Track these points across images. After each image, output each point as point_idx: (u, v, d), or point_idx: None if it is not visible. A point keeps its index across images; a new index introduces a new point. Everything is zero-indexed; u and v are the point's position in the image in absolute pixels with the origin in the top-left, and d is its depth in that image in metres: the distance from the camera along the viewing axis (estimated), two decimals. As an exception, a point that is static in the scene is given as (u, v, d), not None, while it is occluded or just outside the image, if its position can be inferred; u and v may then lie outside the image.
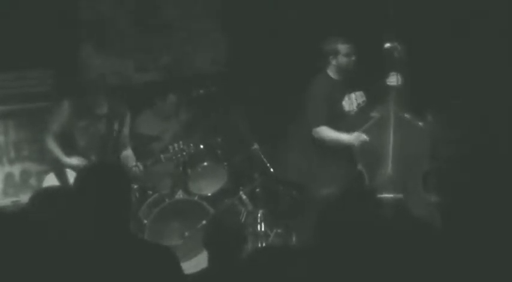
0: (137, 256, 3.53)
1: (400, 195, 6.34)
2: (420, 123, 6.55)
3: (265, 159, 7.71)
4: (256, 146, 7.76)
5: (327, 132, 6.61)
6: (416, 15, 7.23)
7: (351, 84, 6.76)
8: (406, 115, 6.51)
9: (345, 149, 6.61)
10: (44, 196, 4.06)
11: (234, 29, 8.95)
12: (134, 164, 6.89)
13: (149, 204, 7.43)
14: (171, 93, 8.14)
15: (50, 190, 4.42)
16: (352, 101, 6.76)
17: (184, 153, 7.03)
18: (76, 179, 3.73)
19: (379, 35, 6.62)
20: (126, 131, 6.97)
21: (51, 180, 6.70)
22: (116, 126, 6.84)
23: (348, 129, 6.60)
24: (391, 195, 6.30)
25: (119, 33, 8.67)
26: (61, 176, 6.67)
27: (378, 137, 6.44)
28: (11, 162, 7.90)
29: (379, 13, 6.84)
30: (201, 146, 7.69)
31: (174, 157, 7.06)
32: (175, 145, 7.03)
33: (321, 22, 8.21)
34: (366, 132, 6.53)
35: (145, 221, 7.23)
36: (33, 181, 7.87)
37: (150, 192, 7.59)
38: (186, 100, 8.23)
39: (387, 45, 6.45)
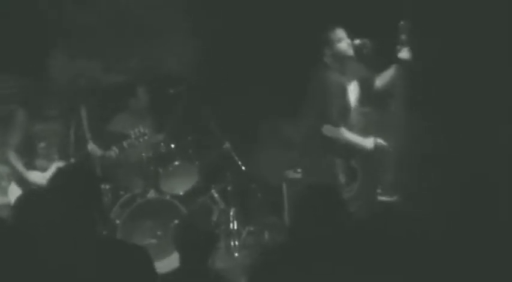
0: (110, 255, 3.54)
1: (394, 199, 6.36)
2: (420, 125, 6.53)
3: (236, 158, 7.74)
4: (227, 145, 7.79)
5: (343, 134, 6.43)
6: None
7: (351, 72, 6.68)
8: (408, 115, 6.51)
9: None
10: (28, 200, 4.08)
11: (203, 29, 8.95)
12: (101, 153, 6.92)
13: (121, 204, 7.43)
14: (138, 87, 8.12)
15: (34, 193, 4.41)
16: (352, 93, 6.67)
17: (145, 137, 7.01)
18: (48, 183, 3.75)
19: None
20: (84, 124, 6.94)
21: (14, 192, 6.69)
22: (72, 123, 6.83)
23: (350, 123, 6.53)
24: (386, 198, 6.31)
25: (86, 34, 8.64)
26: (23, 184, 6.66)
27: (377, 135, 6.40)
28: (-19, 165, 7.86)
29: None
30: (172, 145, 7.70)
31: (136, 142, 7.04)
32: (136, 130, 7.02)
33: (293, 22, 8.24)
34: (362, 129, 6.50)
35: (117, 221, 7.22)
36: (5, 183, 7.82)
37: (122, 192, 7.59)
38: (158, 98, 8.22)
39: (357, 41, 6.45)
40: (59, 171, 3.89)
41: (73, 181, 3.65)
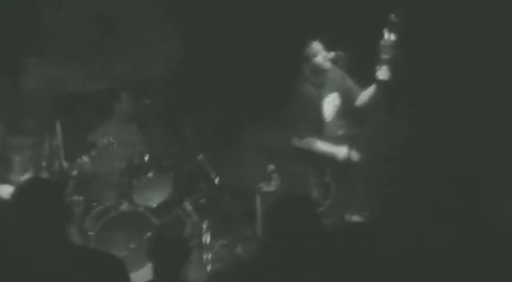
0: (84, 265, 3.54)
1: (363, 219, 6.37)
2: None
3: (210, 169, 7.73)
4: (201, 156, 7.78)
5: (312, 145, 6.52)
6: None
7: (328, 85, 6.70)
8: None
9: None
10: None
11: (189, 34, 8.94)
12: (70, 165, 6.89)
13: (94, 215, 7.41)
14: (123, 92, 8.12)
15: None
16: (329, 105, 6.70)
17: (114, 146, 7.01)
18: (12, 196, 3.74)
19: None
20: (57, 140, 6.91)
21: None
22: (46, 137, 6.80)
23: (324, 136, 6.54)
24: (357, 218, 6.32)
25: (68, 40, 8.60)
26: None
27: (354, 147, 6.41)
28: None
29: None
30: (146, 157, 7.68)
31: (104, 151, 7.03)
32: (104, 140, 7.02)
33: (280, 29, 8.26)
34: (340, 141, 6.51)
35: (90, 233, 7.20)
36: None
37: (95, 203, 7.56)
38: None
39: (331, 53, 6.49)
40: (19, 185, 3.87)
41: (35, 193, 3.65)
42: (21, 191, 3.72)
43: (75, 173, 7.02)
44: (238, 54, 8.46)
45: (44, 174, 6.78)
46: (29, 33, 8.33)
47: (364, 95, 6.67)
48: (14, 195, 3.73)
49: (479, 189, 5.43)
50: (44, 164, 6.83)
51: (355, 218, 6.30)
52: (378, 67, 6.43)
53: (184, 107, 8.34)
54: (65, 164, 6.97)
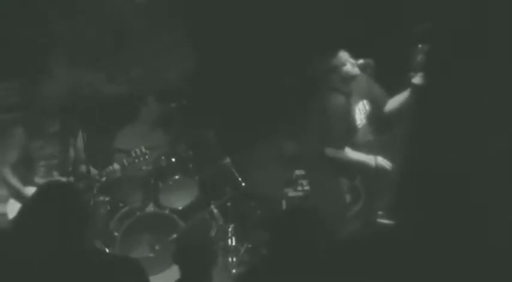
0: (103, 269, 3.53)
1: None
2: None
3: (236, 174, 7.71)
4: (228, 160, 7.77)
5: (347, 154, 6.42)
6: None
7: (357, 92, 6.67)
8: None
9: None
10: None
11: (204, 42, 8.95)
12: (96, 173, 6.89)
13: (120, 216, 7.42)
14: (148, 96, 8.14)
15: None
16: (360, 112, 6.66)
17: (146, 156, 7.00)
18: (31, 200, 3.73)
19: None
20: (80, 145, 6.92)
21: (12, 207, 6.65)
22: (71, 142, 6.80)
23: (355, 143, 6.53)
24: (386, 221, 6.27)
25: (90, 45, 8.64)
26: (21, 199, 6.62)
27: (382, 154, 6.36)
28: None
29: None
30: (173, 159, 7.68)
31: (136, 161, 7.03)
32: (137, 150, 7.01)
33: (292, 36, 8.25)
34: (370, 149, 6.48)
35: (116, 234, 7.21)
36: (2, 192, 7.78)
37: (121, 204, 7.57)
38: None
39: (360, 61, 6.43)
40: (38, 188, 3.86)
41: (53, 196, 3.63)
42: (40, 194, 3.71)
43: (103, 179, 7.01)
44: (262, 59, 8.46)
45: (70, 179, 6.77)
46: (55, 37, 8.39)
47: (393, 102, 6.61)
48: (33, 198, 3.72)
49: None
50: (70, 168, 6.84)
51: (385, 221, 6.25)
52: (412, 73, 6.37)
53: (209, 111, 8.33)
54: (94, 171, 6.98)
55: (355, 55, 6.51)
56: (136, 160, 7.01)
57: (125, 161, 7.01)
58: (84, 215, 3.66)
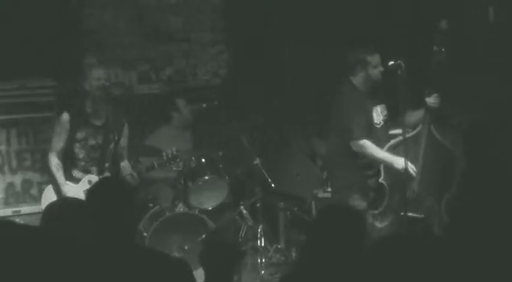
0: (150, 267, 3.58)
1: (421, 216, 6.30)
2: (451, 146, 6.45)
3: (266, 174, 7.71)
4: (257, 161, 7.76)
5: (372, 149, 6.45)
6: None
7: (374, 96, 6.67)
8: (439, 136, 6.44)
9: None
10: (58, 208, 4.09)
11: (236, 41, 8.96)
12: (129, 173, 6.87)
13: (150, 216, 7.45)
14: (177, 99, 8.17)
15: (66, 202, 4.42)
16: (378, 114, 6.67)
17: (177, 159, 6.98)
18: (86, 197, 3.82)
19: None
20: (123, 141, 6.90)
21: (49, 193, 6.69)
22: (113, 137, 6.78)
23: (374, 143, 6.51)
24: (413, 215, 6.25)
25: (122, 42, 8.68)
26: (59, 190, 6.65)
27: (405, 155, 6.34)
28: (13, 171, 7.88)
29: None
30: (203, 160, 7.70)
31: (167, 164, 7.01)
32: (169, 151, 6.98)
33: (327, 33, 8.23)
34: (392, 148, 6.46)
35: (145, 234, 7.24)
36: (34, 191, 7.84)
37: (151, 204, 7.60)
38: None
39: (391, 63, 6.40)
40: (99, 183, 3.92)
41: (110, 195, 3.69)
42: (95, 191, 3.77)
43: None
44: (292, 59, 8.46)
45: (106, 175, 6.78)
46: (88, 35, 8.45)
47: (415, 115, 6.58)
48: (88, 195, 3.78)
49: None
50: (107, 165, 6.84)
51: (411, 216, 6.24)
52: (427, 91, 6.36)
53: (238, 112, 8.34)
54: (125, 163, 6.96)
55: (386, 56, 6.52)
56: (167, 163, 6.98)
57: (155, 163, 7.00)
58: (137, 212, 3.74)
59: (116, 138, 6.75)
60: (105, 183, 4.02)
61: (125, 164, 6.93)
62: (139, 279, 3.53)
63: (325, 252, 3.73)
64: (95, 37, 8.54)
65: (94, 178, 6.63)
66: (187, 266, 3.73)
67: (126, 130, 6.90)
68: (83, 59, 8.11)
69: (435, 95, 6.36)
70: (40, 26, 7.88)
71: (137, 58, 8.80)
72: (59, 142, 6.65)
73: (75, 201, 4.69)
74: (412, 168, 6.30)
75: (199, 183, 7.61)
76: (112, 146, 6.77)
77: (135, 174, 6.84)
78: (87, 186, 6.45)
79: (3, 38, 7.70)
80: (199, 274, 6.71)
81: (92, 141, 6.71)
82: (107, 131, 6.73)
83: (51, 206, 4.18)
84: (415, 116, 6.54)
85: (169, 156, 6.94)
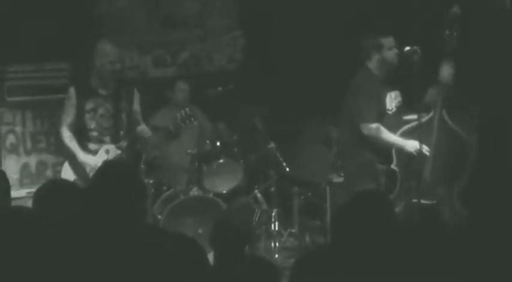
0: (163, 247, 3.57)
1: (433, 202, 6.28)
2: (464, 134, 6.42)
3: (281, 158, 7.70)
4: (272, 145, 7.76)
5: (383, 133, 6.40)
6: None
7: (389, 82, 6.65)
8: (452, 123, 6.41)
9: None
10: (49, 190, 4.09)
11: (251, 26, 8.95)
12: (150, 135, 6.82)
13: (164, 199, 7.46)
14: (179, 81, 8.15)
15: (56, 184, 4.40)
16: (391, 100, 6.64)
17: (192, 119, 6.86)
18: (93, 178, 3.79)
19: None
20: (136, 107, 6.82)
21: (66, 170, 6.68)
22: (123, 105, 6.74)
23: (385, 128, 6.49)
24: (424, 201, 6.23)
25: (137, 27, 8.69)
26: (76, 166, 6.64)
27: (418, 140, 6.32)
28: (28, 153, 7.93)
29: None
30: (218, 143, 7.69)
31: (182, 124, 6.86)
32: (182, 112, 6.85)
33: (342, 20, 8.20)
34: (406, 134, 6.44)
35: (159, 217, 7.24)
36: (49, 172, 7.89)
37: (165, 187, 7.60)
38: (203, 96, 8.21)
39: (407, 48, 6.37)
40: (104, 166, 3.90)
41: (118, 176, 3.67)
42: (100, 175, 3.75)
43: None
44: (305, 44, 8.42)
45: (123, 144, 6.73)
46: (103, 19, 8.46)
47: (429, 95, 6.55)
48: (93, 179, 3.77)
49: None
50: (122, 133, 6.79)
51: (423, 202, 6.21)
52: (442, 63, 6.32)
53: (254, 96, 8.33)
54: (143, 127, 6.89)
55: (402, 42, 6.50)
56: (182, 123, 6.83)
57: (171, 127, 6.86)
58: (143, 190, 3.72)
59: (127, 105, 6.72)
60: (109, 168, 3.99)
61: (142, 128, 6.87)
62: (151, 258, 3.52)
63: (354, 235, 3.72)
64: (111, 22, 8.55)
65: (111, 147, 6.57)
66: (200, 246, 3.71)
67: (137, 95, 6.83)
68: (98, 42, 8.13)
69: (448, 65, 6.31)
70: (57, 10, 7.89)
71: (152, 43, 8.80)
72: (68, 116, 6.60)
73: (65, 182, 4.70)
74: (425, 149, 6.27)
75: (214, 166, 7.61)
76: (124, 114, 6.73)
77: (164, 132, 6.79)
78: (105, 157, 6.44)
79: (20, 21, 7.71)
80: (211, 258, 6.76)
81: (101, 111, 6.65)
82: (117, 100, 6.69)
83: (40, 189, 4.16)
84: (429, 94, 6.51)
85: (183, 115, 6.80)
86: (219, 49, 9.09)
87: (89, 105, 6.59)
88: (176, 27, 8.87)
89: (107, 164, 4.35)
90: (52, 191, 4.07)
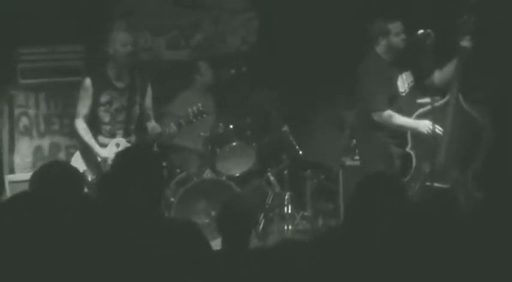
0: (166, 234, 3.59)
1: (447, 186, 6.27)
2: (480, 117, 6.39)
3: (294, 142, 7.69)
4: (286, 128, 7.75)
5: (395, 119, 6.42)
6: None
7: (399, 64, 6.62)
8: (467, 106, 6.39)
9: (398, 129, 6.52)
10: (44, 173, 4.09)
11: (265, 8, 8.91)
12: (159, 131, 6.84)
13: (177, 182, 7.47)
14: (203, 62, 8.15)
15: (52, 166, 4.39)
16: (403, 82, 6.63)
17: (204, 115, 6.91)
18: (112, 164, 3.82)
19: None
20: (148, 102, 6.86)
21: (77, 160, 6.70)
22: (137, 99, 6.76)
23: (398, 111, 6.49)
24: (439, 185, 6.23)
25: (151, 9, 8.66)
26: (88, 157, 6.66)
27: (433, 123, 6.31)
28: (41, 135, 7.94)
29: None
30: (231, 126, 7.68)
31: (194, 119, 6.91)
32: (194, 108, 6.90)
33: (357, 2, 8.16)
34: (420, 117, 6.43)
35: (172, 199, 7.25)
36: (62, 155, 7.90)
37: (178, 170, 7.61)
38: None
39: (420, 31, 6.36)
40: (117, 155, 3.92)
41: (137, 162, 3.70)
42: (121, 160, 3.77)
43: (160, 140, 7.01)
44: (319, 28, 8.39)
45: (133, 138, 6.78)
46: (118, 1, 8.45)
47: (445, 71, 6.52)
48: (114, 165, 3.78)
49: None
50: (133, 127, 6.82)
51: (437, 185, 6.21)
52: (461, 37, 6.30)
53: (267, 79, 8.31)
54: (157, 128, 6.92)
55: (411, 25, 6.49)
56: (194, 119, 6.89)
57: (182, 121, 6.92)
58: (161, 176, 3.75)
59: (140, 100, 6.73)
60: (130, 152, 4.00)
61: (152, 124, 6.90)
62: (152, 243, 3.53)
63: (364, 217, 3.72)
64: (125, 4, 8.53)
65: (122, 141, 6.64)
66: (196, 227, 3.72)
67: (149, 90, 6.86)
68: (112, 24, 8.13)
69: (468, 37, 6.30)
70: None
71: (166, 24, 8.77)
72: (84, 107, 6.63)
73: (62, 164, 4.69)
74: (438, 129, 6.26)
75: (227, 149, 7.59)
76: (137, 107, 6.75)
77: (174, 127, 6.81)
78: (116, 150, 6.46)
79: (32, 3, 7.70)
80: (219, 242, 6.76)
81: (116, 104, 6.69)
82: (131, 93, 6.71)
83: (36, 172, 4.16)
84: (445, 72, 6.49)
85: (195, 111, 6.86)
86: (233, 31, 9.06)
87: (104, 98, 6.61)
88: (190, 9, 8.84)
89: (128, 149, 4.39)
90: (48, 174, 4.06)
